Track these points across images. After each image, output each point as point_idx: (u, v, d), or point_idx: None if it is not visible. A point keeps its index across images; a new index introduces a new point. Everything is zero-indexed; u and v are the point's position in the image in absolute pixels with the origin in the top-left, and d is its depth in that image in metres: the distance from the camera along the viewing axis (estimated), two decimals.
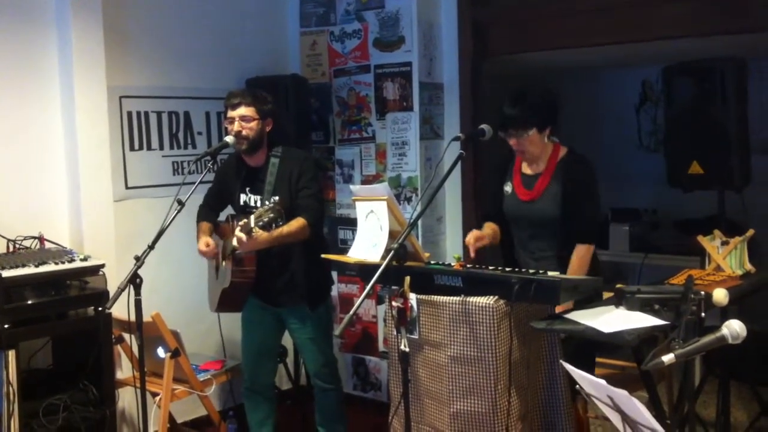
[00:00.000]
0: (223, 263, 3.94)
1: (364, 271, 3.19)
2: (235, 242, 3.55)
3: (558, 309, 3.06)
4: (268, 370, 4.19)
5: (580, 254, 3.36)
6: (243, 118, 3.74)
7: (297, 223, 3.69)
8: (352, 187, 3.38)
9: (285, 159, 3.83)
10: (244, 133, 3.75)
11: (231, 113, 3.76)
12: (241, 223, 3.49)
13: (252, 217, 3.42)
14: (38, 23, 4.09)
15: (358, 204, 3.29)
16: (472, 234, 3.41)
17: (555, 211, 3.40)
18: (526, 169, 3.55)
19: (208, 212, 4.11)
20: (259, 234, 3.48)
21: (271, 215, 3.36)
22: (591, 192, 3.44)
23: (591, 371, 3.06)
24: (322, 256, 3.52)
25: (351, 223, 4.93)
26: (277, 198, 3.42)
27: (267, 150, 3.86)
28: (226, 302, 3.97)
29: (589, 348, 3.39)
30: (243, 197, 3.91)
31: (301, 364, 4.85)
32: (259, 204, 3.79)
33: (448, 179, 3.26)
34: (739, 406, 4.62)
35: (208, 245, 3.88)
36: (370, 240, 3.18)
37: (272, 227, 3.41)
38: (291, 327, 4.02)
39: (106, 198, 4.25)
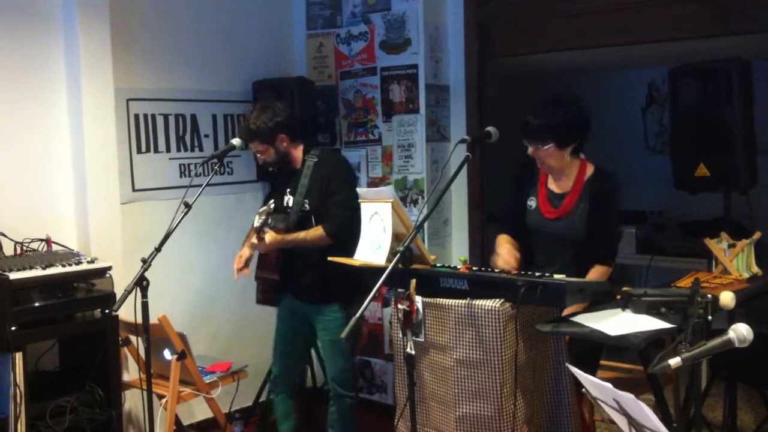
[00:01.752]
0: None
1: (369, 273, 3.20)
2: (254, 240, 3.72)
3: (567, 311, 3.05)
4: (293, 369, 4.23)
5: (598, 275, 3.29)
6: (256, 151, 3.89)
7: (315, 231, 3.80)
8: (359, 190, 3.39)
9: (320, 162, 3.92)
10: (265, 161, 3.92)
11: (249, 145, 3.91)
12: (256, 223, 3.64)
13: (256, 217, 3.59)
14: (45, 26, 4.11)
15: (363, 206, 3.29)
16: (508, 258, 3.30)
17: (581, 233, 3.35)
18: (553, 185, 3.47)
19: None
20: (270, 235, 3.67)
21: (263, 218, 3.56)
22: (614, 212, 3.42)
23: (594, 373, 3.06)
24: (328, 258, 3.53)
25: None
26: (271, 202, 3.64)
27: (303, 153, 3.96)
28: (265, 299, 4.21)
29: (595, 351, 3.38)
30: (285, 198, 4.00)
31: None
32: (291, 204, 3.91)
33: (455, 182, 3.26)
34: (746, 408, 4.61)
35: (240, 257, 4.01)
36: (374, 242, 3.18)
37: (263, 229, 3.60)
38: (317, 326, 4.04)
39: (113, 200, 4.26)
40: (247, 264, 3.95)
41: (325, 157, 3.96)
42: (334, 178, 3.86)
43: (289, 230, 3.81)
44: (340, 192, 3.83)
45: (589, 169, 3.45)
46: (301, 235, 3.78)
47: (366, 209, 3.27)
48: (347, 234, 3.55)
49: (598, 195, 3.36)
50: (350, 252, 3.30)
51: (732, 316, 3.10)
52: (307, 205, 3.89)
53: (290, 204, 3.94)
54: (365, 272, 3.21)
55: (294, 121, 3.96)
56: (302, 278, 3.96)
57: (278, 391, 4.21)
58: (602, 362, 3.55)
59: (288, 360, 4.18)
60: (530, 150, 3.37)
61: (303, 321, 4.08)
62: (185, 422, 4.56)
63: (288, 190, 3.97)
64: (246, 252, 3.97)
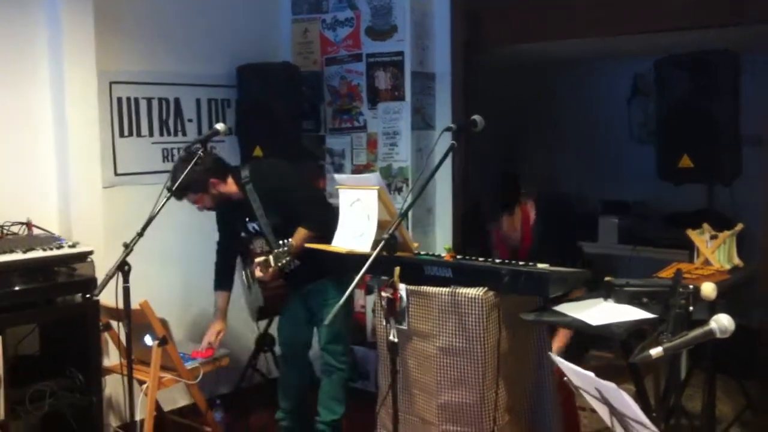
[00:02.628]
0: (253, 285, 4.15)
1: (353, 260, 3.19)
2: (258, 272, 3.85)
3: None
4: (304, 343, 4.27)
5: None
6: (195, 203, 3.94)
7: (299, 234, 3.84)
8: (336, 176, 3.37)
9: (256, 183, 3.94)
10: (206, 208, 3.99)
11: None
12: (259, 260, 3.81)
13: (272, 258, 3.73)
14: (28, 8, 4.05)
15: (341, 192, 3.28)
16: None
17: None
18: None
19: (225, 263, 4.25)
20: (276, 267, 3.78)
21: (287, 258, 3.71)
22: None
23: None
24: (306, 245, 3.55)
25: None
26: (289, 240, 3.73)
27: (236, 182, 3.98)
28: (267, 313, 4.32)
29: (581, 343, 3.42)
30: (249, 225, 4.06)
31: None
32: (258, 229, 4.00)
33: (440, 170, 3.25)
34: (725, 399, 4.65)
35: (213, 338, 4.22)
36: (355, 229, 3.16)
37: (290, 265, 3.78)
38: (315, 306, 4.09)
39: (95, 184, 4.23)
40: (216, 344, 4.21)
41: (258, 176, 3.98)
42: (278, 189, 3.93)
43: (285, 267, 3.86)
44: (297, 190, 3.96)
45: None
46: (299, 239, 3.81)
47: (346, 196, 3.25)
48: (326, 222, 3.62)
49: None
50: (327, 239, 3.36)
51: (713, 308, 3.12)
52: (275, 221, 3.97)
53: (257, 228, 4.03)
54: (349, 259, 3.20)
55: (218, 162, 3.99)
56: (300, 269, 3.99)
57: (286, 368, 4.29)
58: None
59: (298, 335, 4.23)
60: None
61: (302, 315, 4.17)
62: (166, 408, 4.55)
63: (246, 219, 4.05)
64: (220, 327, 4.21)
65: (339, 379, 4.18)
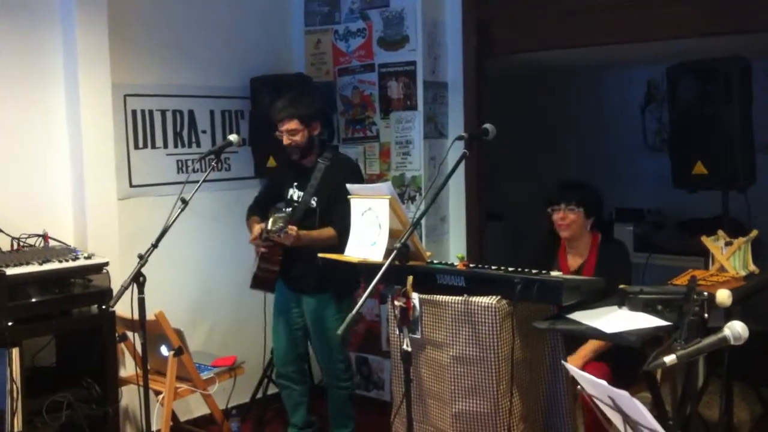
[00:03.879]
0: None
1: (366, 270, 3.19)
2: (270, 224, 3.76)
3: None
4: (295, 356, 4.26)
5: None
6: (289, 132, 3.95)
7: (327, 231, 3.91)
8: (348, 185, 3.39)
9: (332, 164, 4.03)
10: (293, 144, 3.97)
11: (279, 127, 3.97)
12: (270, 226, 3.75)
13: (269, 222, 3.73)
14: (43, 21, 4.10)
15: (353, 201, 3.29)
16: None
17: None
18: (572, 261, 3.71)
19: (254, 210, 4.25)
20: (294, 230, 3.76)
21: (280, 225, 3.69)
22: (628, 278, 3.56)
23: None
24: (319, 255, 3.56)
25: None
26: (289, 209, 3.87)
27: (318, 152, 4.06)
28: (258, 286, 4.23)
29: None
30: (290, 191, 4.12)
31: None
32: (299, 199, 4.05)
33: (452, 178, 3.26)
34: (743, 406, 4.61)
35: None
36: (367, 238, 3.17)
37: (281, 234, 3.71)
38: (308, 317, 4.11)
39: (110, 196, 4.26)
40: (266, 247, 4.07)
41: (339, 160, 4.09)
42: (342, 183, 3.80)
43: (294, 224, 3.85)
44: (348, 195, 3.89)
45: (598, 238, 3.70)
46: (315, 233, 3.89)
47: (357, 205, 3.26)
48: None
49: (612, 264, 3.56)
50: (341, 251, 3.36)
51: (728, 314, 3.10)
52: (314, 203, 3.99)
53: (295, 198, 4.06)
54: (362, 268, 3.21)
55: (326, 116, 4.10)
56: (295, 267, 4.06)
57: (283, 385, 4.28)
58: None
59: (289, 347, 4.24)
60: (558, 215, 3.61)
61: (297, 312, 4.19)
62: (182, 418, 4.56)
63: (295, 184, 4.09)
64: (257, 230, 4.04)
65: (343, 395, 4.19)
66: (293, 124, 3.94)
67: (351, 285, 4.12)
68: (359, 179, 4.08)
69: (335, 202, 3.90)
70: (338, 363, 4.15)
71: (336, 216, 3.87)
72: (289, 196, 4.13)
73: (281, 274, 4.12)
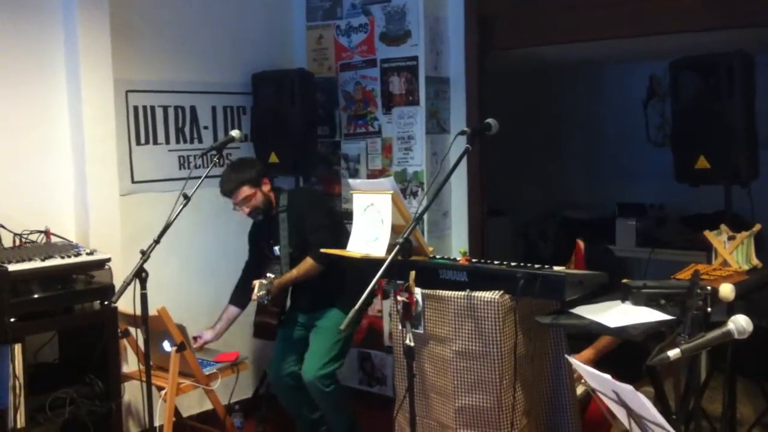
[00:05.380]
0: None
1: (368, 265, 3.19)
2: (256, 291, 3.92)
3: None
4: (293, 361, 4.26)
5: None
6: (245, 200, 4.01)
7: (305, 264, 4.02)
8: (351, 180, 3.38)
9: (290, 207, 4.11)
10: (256, 207, 4.06)
11: (234, 200, 4.04)
12: (255, 283, 3.92)
13: (256, 285, 3.89)
14: (45, 17, 4.09)
15: (355, 197, 3.28)
16: None
17: None
18: None
19: (246, 281, 4.23)
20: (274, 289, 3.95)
21: (264, 292, 3.87)
22: None
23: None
24: (322, 250, 3.58)
25: None
26: (272, 276, 3.95)
27: (275, 198, 4.15)
28: (259, 335, 4.45)
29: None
30: (273, 248, 4.22)
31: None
32: (278, 253, 4.17)
33: (454, 174, 3.24)
34: (746, 401, 4.61)
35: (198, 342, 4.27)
36: (369, 234, 3.16)
37: (266, 300, 3.91)
38: (318, 324, 4.18)
39: (112, 192, 4.26)
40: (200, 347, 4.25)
41: (292, 200, 4.17)
42: (306, 213, 4.09)
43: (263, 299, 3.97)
44: (309, 218, 4.06)
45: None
46: (294, 272, 4.01)
47: (359, 200, 3.26)
48: (337, 243, 3.63)
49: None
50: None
51: (731, 309, 3.10)
52: (293, 250, 4.11)
53: (276, 253, 4.17)
54: (364, 264, 3.21)
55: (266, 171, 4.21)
56: (302, 290, 4.18)
57: (282, 389, 4.29)
58: None
59: (287, 352, 4.25)
60: None
61: (300, 328, 4.26)
62: (185, 414, 4.56)
63: (271, 241, 4.20)
64: (211, 336, 4.26)
65: (332, 399, 4.12)
66: (245, 191, 4.00)
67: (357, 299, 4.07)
68: (317, 203, 4.27)
69: (306, 229, 4.03)
70: (321, 369, 4.03)
71: (312, 239, 3.98)
72: (274, 253, 4.21)
73: (291, 306, 4.29)
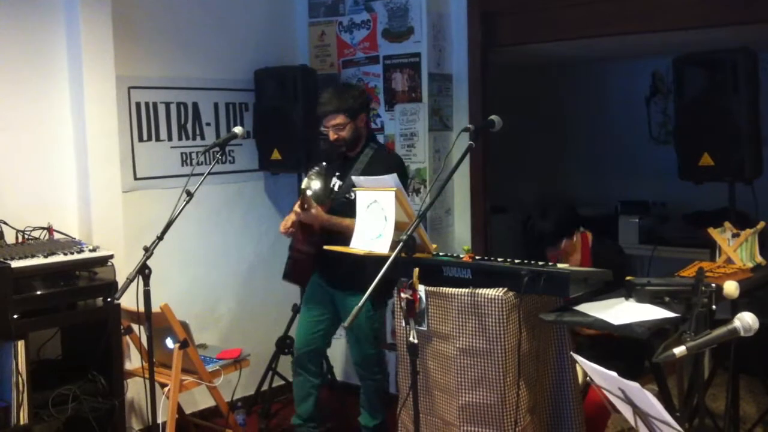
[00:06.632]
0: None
1: (372, 262, 3.18)
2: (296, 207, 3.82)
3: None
4: (315, 351, 4.26)
5: None
6: (336, 127, 3.90)
7: (353, 220, 3.77)
8: (354, 178, 3.37)
9: (376, 157, 3.97)
10: (342, 138, 3.93)
11: (325, 122, 3.92)
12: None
13: (303, 182, 3.79)
14: (47, 14, 4.08)
15: (358, 194, 3.28)
16: None
17: None
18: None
19: None
20: (318, 210, 3.79)
21: (312, 179, 3.80)
22: None
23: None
24: (324, 247, 3.53)
25: None
26: (324, 164, 3.87)
27: (365, 142, 4.02)
28: (290, 277, 4.22)
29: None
30: (335, 181, 4.08)
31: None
32: (337, 189, 4.01)
33: (457, 171, 3.24)
34: (749, 399, 4.61)
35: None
36: (373, 230, 3.16)
37: (309, 187, 3.75)
38: (343, 314, 4.08)
39: (114, 189, 4.25)
40: (293, 225, 3.98)
41: (383, 154, 4.05)
42: (388, 171, 3.86)
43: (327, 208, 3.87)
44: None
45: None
46: (347, 221, 3.74)
47: (362, 197, 3.25)
48: None
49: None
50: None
51: (735, 306, 3.10)
52: (352, 194, 3.84)
53: (336, 189, 4.02)
54: (368, 261, 3.20)
55: (370, 106, 4.06)
56: (340, 265, 3.90)
57: (298, 372, 4.27)
58: None
59: (314, 339, 4.22)
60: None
61: (330, 306, 4.16)
62: (187, 411, 4.57)
63: (337, 174, 4.05)
64: (292, 217, 3.98)
65: (373, 387, 4.21)
66: (339, 119, 3.89)
67: (389, 292, 3.93)
68: (402, 175, 3.93)
69: None
70: (369, 357, 4.14)
71: None
72: (332, 186, 4.07)
73: (323, 269, 4.09)
